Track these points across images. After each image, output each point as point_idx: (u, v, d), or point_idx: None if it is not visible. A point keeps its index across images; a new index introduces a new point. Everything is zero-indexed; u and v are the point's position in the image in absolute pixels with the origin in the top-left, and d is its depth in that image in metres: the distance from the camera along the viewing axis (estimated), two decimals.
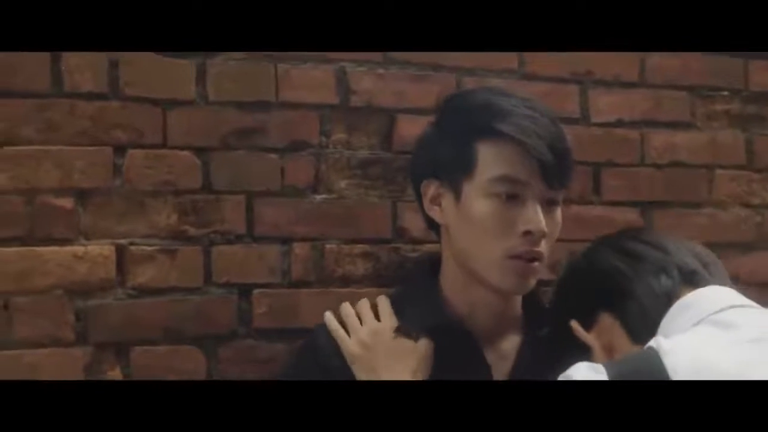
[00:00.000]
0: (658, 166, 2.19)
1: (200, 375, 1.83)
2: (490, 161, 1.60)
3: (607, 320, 1.42)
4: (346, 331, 1.68)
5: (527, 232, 1.58)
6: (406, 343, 1.64)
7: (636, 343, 1.36)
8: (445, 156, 1.64)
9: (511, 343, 1.68)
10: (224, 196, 1.87)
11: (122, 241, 1.80)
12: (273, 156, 1.90)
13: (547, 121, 1.61)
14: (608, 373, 1.23)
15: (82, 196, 1.78)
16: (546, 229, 1.59)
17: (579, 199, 2.11)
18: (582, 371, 1.26)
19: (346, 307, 1.70)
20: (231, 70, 1.88)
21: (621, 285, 1.41)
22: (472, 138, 1.61)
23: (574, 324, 1.45)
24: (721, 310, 1.30)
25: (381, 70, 1.98)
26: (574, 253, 1.63)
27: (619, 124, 2.16)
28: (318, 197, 1.93)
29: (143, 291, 1.81)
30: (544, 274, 1.68)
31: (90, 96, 1.80)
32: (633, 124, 2.18)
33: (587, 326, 1.45)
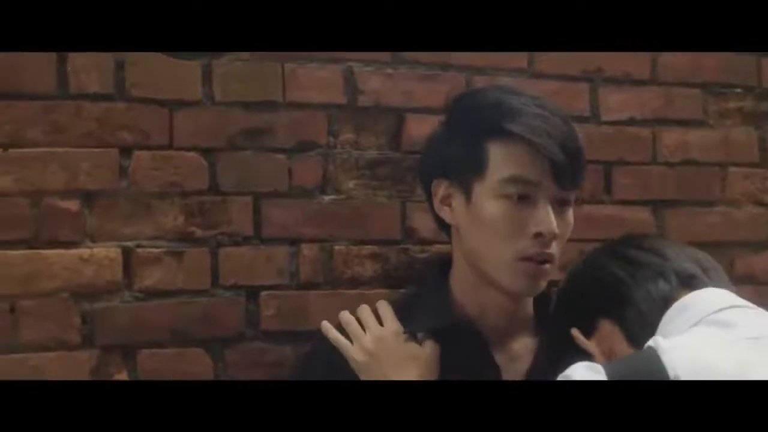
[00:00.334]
0: (670, 165, 2.17)
1: (207, 378, 1.81)
2: (501, 162, 1.58)
3: (606, 327, 1.43)
4: (349, 340, 1.65)
5: (538, 234, 1.57)
6: (412, 347, 1.62)
7: (635, 348, 1.37)
8: (456, 156, 1.62)
9: (522, 344, 1.67)
10: (231, 198, 1.85)
11: (129, 244, 1.79)
12: (280, 156, 1.89)
13: (558, 120, 1.59)
14: (607, 373, 1.24)
15: (88, 198, 1.77)
16: (557, 231, 1.57)
17: (590, 198, 2.09)
18: (580, 371, 1.26)
19: (346, 315, 1.68)
20: (237, 71, 1.86)
21: (620, 291, 1.42)
22: (482, 138, 1.59)
23: (575, 332, 1.46)
24: (719, 311, 1.31)
25: (389, 70, 1.96)
26: (583, 252, 1.61)
27: (631, 122, 2.14)
28: (326, 198, 1.91)
29: (150, 293, 1.80)
30: (555, 275, 1.66)
31: (96, 97, 1.79)
32: (644, 122, 2.15)
33: (588, 333, 1.45)
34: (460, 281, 1.66)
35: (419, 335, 1.63)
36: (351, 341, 1.65)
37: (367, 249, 1.93)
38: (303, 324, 1.86)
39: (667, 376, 1.21)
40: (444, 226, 1.70)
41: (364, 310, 1.67)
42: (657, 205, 2.15)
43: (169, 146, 1.83)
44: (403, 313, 1.66)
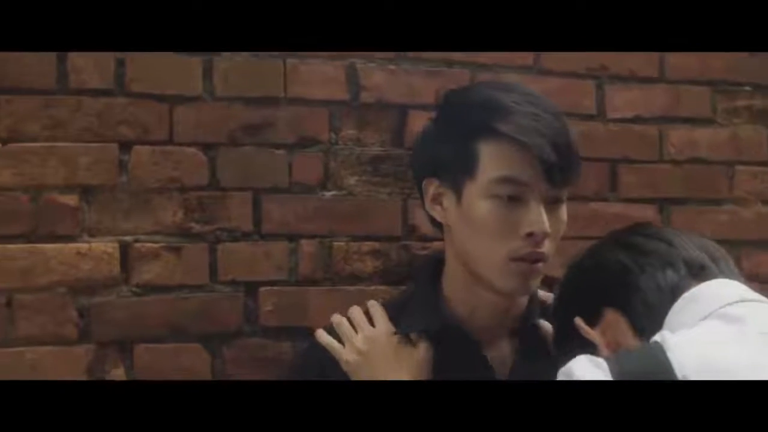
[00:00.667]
0: (676, 163, 2.15)
1: (205, 374, 1.81)
2: (491, 162, 1.56)
3: (612, 316, 1.37)
4: (341, 343, 1.64)
5: (530, 234, 1.55)
6: (404, 347, 1.61)
7: (641, 339, 1.32)
8: (446, 156, 1.60)
9: (509, 344, 1.65)
10: (231, 193, 1.85)
11: (127, 238, 1.79)
12: (281, 152, 1.88)
13: (550, 118, 1.56)
14: (610, 368, 1.20)
15: (87, 192, 1.77)
16: (549, 230, 1.55)
17: (595, 196, 2.08)
18: (582, 364, 1.22)
19: (337, 317, 1.67)
20: (238, 66, 1.86)
21: (626, 280, 1.36)
22: (472, 137, 1.57)
23: (578, 321, 1.40)
24: (730, 304, 1.26)
25: (392, 66, 1.95)
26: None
27: (637, 120, 2.12)
28: (327, 194, 1.91)
29: (148, 288, 1.80)
30: (557, 272, 1.64)
31: (96, 92, 1.79)
32: (651, 120, 2.13)
33: (592, 323, 1.40)
34: (452, 280, 1.65)
35: (412, 336, 1.62)
36: (343, 343, 1.64)
37: (368, 246, 1.92)
38: (302, 320, 1.86)
39: (674, 374, 1.17)
40: (438, 224, 1.69)
41: (356, 311, 1.66)
42: (663, 204, 2.13)
43: (169, 141, 1.82)
44: (395, 312, 1.65)
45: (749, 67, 2.20)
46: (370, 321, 1.65)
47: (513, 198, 1.55)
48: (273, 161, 1.88)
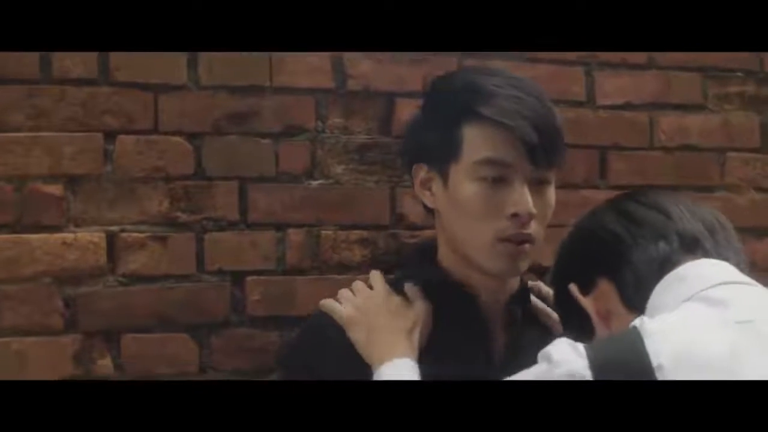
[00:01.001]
0: (667, 150, 2.14)
1: (192, 364, 1.81)
2: (475, 145, 1.57)
3: (604, 285, 1.36)
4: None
5: (515, 215, 1.56)
6: (401, 301, 1.62)
7: (630, 311, 1.31)
8: (432, 141, 1.61)
9: (508, 332, 1.65)
10: (217, 182, 1.84)
11: (113, 228, 1.79)
12: (267, 141, 1.88)
13: (532, 100, 1.57)
14: (588, 355, 1.20)
15: (71, 182, 1.77)
16: (534, 211, 1.56)
17: (585, 183, 2.07)
18: (561, 348, 1.22)
19: (342, 290, 1.67)
20: (223, 55, 1.85)
21: (618, 250, 1.34)
22: (456, 122, 1.58)
23: (572, 287, 1.39)
24: (714, 286, 1.25)
25: (379, 54, 1.94)
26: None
27: (627, 106, 2.11)
28: (314, 183, 1.90)
29: (134, 278, 1.79)
30: (547, 261, 1.64)
31: (80, 82, 1.78)
32: (641, 107, 2.12)
33: (586, 290, 1.38)
34: (446, 265, 1.65)
35: (409, 292, 1.63)
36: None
37: (356, 234, 1.92)
38: (289, 310, 1.86)
39: (650, 362, 1.17)
40: (430, 209, 1.69)
41: (357, 283, 1.67)
42: (657, 191, 2.11)
43: (154, 130, 1.82)
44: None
45: (741, 53, 2.19)
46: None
47: (497, 179, 1.56)
48: (259, 150, 1.87)
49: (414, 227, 1.94)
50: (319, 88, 1.91)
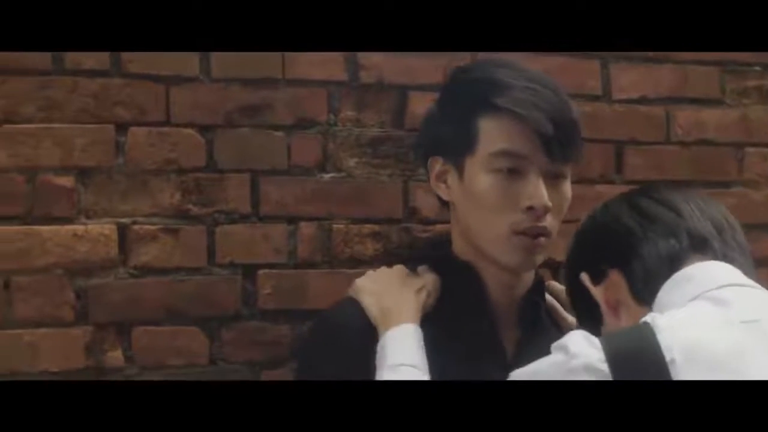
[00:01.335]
0: (684, 144, 2.12)
1: (203, 357, 1.80)
2: (491, 136, 1.57)
3: (615, 276, 1.40)
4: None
5: (530, 208, 1.55)
6: (412, 276, 1.65)
7: (638, 303, 1.36)
8: (448, 133, 1.61)
9: (521, 329, 1.64)
10: (229, 175, 1.84)
11: (124, 220, 1.78)
12: (279, 134, 1.87)
13: (549, 93, 1.56)
14: (603, 347, 1.24)
15: (83, 174, 1.77)
16: (549, 204, 1.55)
17: (600, 178, 2.05)
18: (577, 339, 1.26)
19: None
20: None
21: (630, 243, 1.39)
22: (472, 114, 1.58)
23: (584, 276, 1.43)
24: (720, 287, 1.30)
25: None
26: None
27: (643, 100, 2.10)
28: (326, 176, 1.89)
29: (145, 271, 1.79)
30: (562, 256, 1.63)
31: (92, 73, 1.78)
32: (658, 101, 2.10)
33: (597, 280, 1.42)
34: (461, 258, 1.64)
35: (420, 271, 1.66)
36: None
37: (368, 228, 1.91)
38: (300, 303, 1.85)
39: (662, 354, 1.21)
40: (446, 203, 1.68)
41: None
42: (670, 186, 2.09)
43: (166, 122, 1.81)
44: None
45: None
46: None
47: (513, 171, 1.56)
48: (271, 143, 1.86)
49: (427, 221, 1.92)
50: (331, 80, 1.90)
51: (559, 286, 1.73)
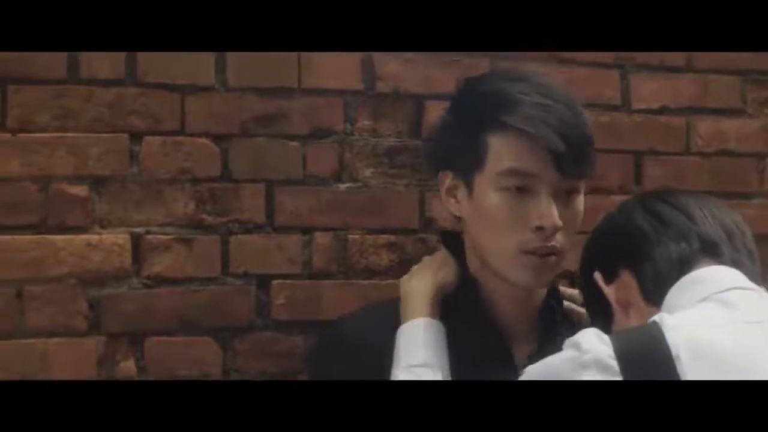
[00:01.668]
0: (704, 155, 2.10)
1: (216, 368, 1.79)
2: (499, 154, 1.54)
3: (626, 277, 1.44)
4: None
5: (539, 228, 1.52)
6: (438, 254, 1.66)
7: (648, 304, 1.41)
8: (457, 148, 1.58)
9: (532, 339, 1.62)
10: (243, 185, 1.83)
11: (138, 230, 1.78)
12: (294, 143, 1.86)
13: (560, 108, 1.53)
14: (613, 345, 1.28)
15: (97, 183, 1.76)
16: (559, 224, 1.52)
17: (619, 189, 2.03)
18: (590, 337, 1.30)
19: None
20: (252, 56, 1.83)
21: (642, 245, 1.43)
22: (481, 129, 1.55)
23: (597, 275, 1.47)
24: (727, 290, 1.35)
25: (409, 55, 1.92)
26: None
27: (663, 110, 2.07)
28: (341, 186, 1.88)
29: (159, 280, 1.78)
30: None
31: (107, 82, 1.77)
32: (678, 111, 2.08)
33: (609, 279, 1.46)
34: (472, 271, 1.63)
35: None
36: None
37: (383, 238, 1.90)
38: (315, 314, 1.84)
39: (670, 352, 1.26)
40: (458, 216, 1.66)
41: None
42: (684, 191, 2.07)
43: (181, 132, 1.81)
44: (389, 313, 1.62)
45: None
46: None
47: (522, 189, 1.53)
48: (286, 152, 1.85)
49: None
50: (348, 89, 1.89)
51: (570, 290, 1.72)
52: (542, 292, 1.65)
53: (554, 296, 1.66)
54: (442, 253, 1.65)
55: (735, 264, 1.39)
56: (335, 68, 1.88)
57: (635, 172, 2.06)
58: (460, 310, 1.60)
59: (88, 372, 1.73)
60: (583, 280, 1.55)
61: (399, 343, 1.55)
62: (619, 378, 1.25)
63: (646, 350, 1.27)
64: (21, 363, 1.70)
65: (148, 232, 1.78)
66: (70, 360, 1.72)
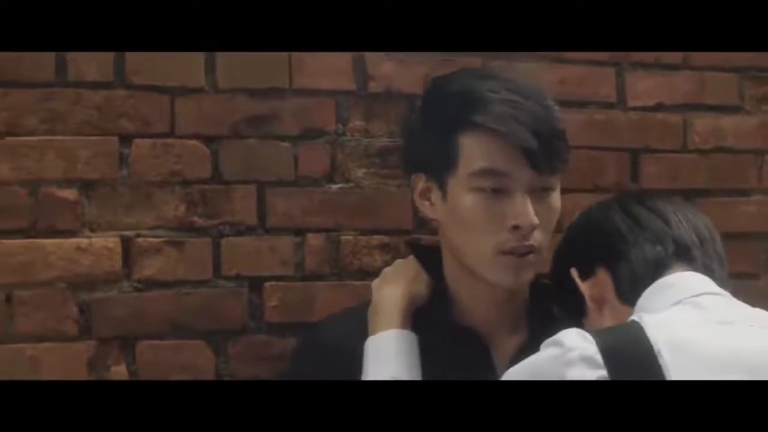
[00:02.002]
0: (701, 152, 2.08)
1: (208, 371, 1.78)
2: (472, 154, 1.52)
3: (602, 275, 1.48)
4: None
5: (516, 227, 1.52)
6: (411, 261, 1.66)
7: (622, 303, 1.46)
8: (428, 150, 1.57)
9: (518, 338, 1.61)
10: (234, 186, 1.82)
11: (128, 233, 1.76)
12: (286, 144, 1.84)
13: (530, 104, 1.51)
14: (596, 342, 1.31)
15: (86, 187, 1.75)
16: (536, 222, 1.51)
17: (615, 187, 2.01)
18: (572, 335, 1.33)
19: None
20: (242, 56, 1.82)
21: (618, 245, 1.48)
22: (451, 130, 1.53)
23: (573, 271, 1.50)
24: (699, 295, 1.41)
25: (401, 55, 1.90)
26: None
27: (660, 108, 2.05)
28: (334, 187, 1.86)
29: (150, 284, 1.77)
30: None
31: (95, 85, 1.76)
32: (675, 108, 2.06)
33: (584, 275, 1.50)
34: (451, 274, 1.62)
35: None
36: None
37: (377, 239, 1.88)
38: (308, 316, 1.82)
39: (652, 347, 1.30)
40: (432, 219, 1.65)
41: None
42: (687, 195, 2.05)
43: (171, 134, 1.79)
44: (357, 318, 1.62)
45: None
46: None
47: (496, 190, 1.52)
48: (278, 153, 1.84)
49: (436, 232, 1.88)
50: (339, 89, 1.88)
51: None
52: (524, 291, 1.63)
53: (542, 291, 1.63)
54: (415, 263, 1.64)
55: (707, 269, 1.45)
56: (327, 68, 1.87)
57: (632, 170, 2.04)
58: (434, 320, 1.59)
59: (78, 377, 1.71)
60: (554, 275, 1.58)
61: (368, 354, 1.55)
62: (604, 372, 1.28)
63: (628, 346, 1.31)
64: (11, 368, 1.68)
65: (138, 235, 1.77)
66: (61, 365, 1.71)
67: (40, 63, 1.73)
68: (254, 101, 1.83)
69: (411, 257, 1.67)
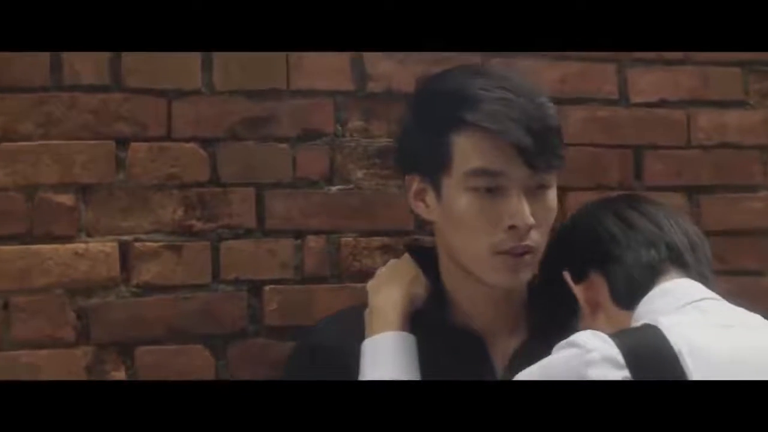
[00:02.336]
0: (705, 148, 2.05)
1: (208, 375, 1.77)
2: (466, 154, 1.51)
3: (596, 278, 1.49)
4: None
5: (512, 227, 1.50)
6: (409, 262, 1.64)
7: (618, 306, 1.46)
8: (422, 150, 1.55)
9: (517, 339, 1.59)
10: (232, 189, 1.80)
11: (126, 237, 1.75)
12: (284, 146, 1.83)
13: (523, 101, 1.49)
14: (616, 343, 1.30)
15: (83, 191, 1.74)
16: (532, 222, 1.49)
17: (619, 185, 1.99)
18: (587, 336, 1.33)
19: None
20: (239, 57, 1.80)
21: (612, 249, 1.48)
22: (444, 130, 1.52)
23: (566, 274, 1.50)
24: (700, 300, 1.42)
25: (400, 54, 1.88)
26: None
27: (663, 103, 2.03)
28: (333, 188, 1.85)
29: (148, 288, 1.75)
30: None
31: (91, 88, 1.75)
32: (678, 104, 2.04)
33: (578, 278, 1.50)
34: (448, 276, 1.61)
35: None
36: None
37: (377, 241, 1.86)
38: (308, 319, 1.80)
39: (672, 349, 1.31)
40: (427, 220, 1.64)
41: None
42: (692, 192, 2.03)
43: (168, 137, 1.78)
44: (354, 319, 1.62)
45: None
46: None
47: (491, 190, 1.50)
48: (276, 155, 1.82)
49: None
50: (338, 90, 1.86)
51: None
52: (521, 291, 1.62)
53: (543, 291, 1.62)
54: (411, 263, 1.62)
55: (700, 276, 1.47)
56: (325, 69, 1.85)
57: (635, 167, 2.01)
58: (431, 322, 1.57)
59: None
60: (544, 276, 1.57)
61: (366, 356, 1.53)
62: (627, 372, 1.28)
63: (649, 347, 1.31)
64: (9, 376, 1.67)
65: (136, 240, 1.75)
66: (59, 371, 1.70)
67: (35, 67, 1.72)
68: (252, 103, 1.81)
69: (405, 257, 1.65)
